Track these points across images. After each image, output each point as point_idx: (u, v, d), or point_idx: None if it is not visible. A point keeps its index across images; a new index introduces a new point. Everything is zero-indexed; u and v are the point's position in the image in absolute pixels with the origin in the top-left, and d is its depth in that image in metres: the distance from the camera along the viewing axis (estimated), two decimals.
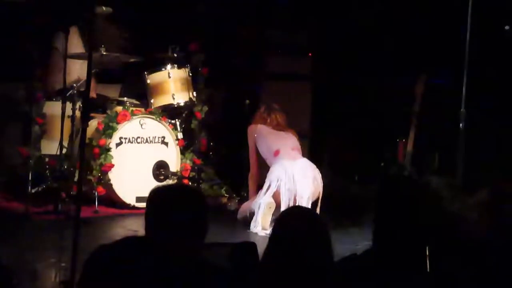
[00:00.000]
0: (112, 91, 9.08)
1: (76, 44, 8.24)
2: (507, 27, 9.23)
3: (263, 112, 8.23)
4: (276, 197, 7.65)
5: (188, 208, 3.58)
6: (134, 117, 8.36)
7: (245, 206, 8.02)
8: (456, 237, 4.35)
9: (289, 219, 3.64)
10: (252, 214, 7.74)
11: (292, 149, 7.95)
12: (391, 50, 10.15)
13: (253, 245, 4.30)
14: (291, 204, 7.40)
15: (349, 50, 10.33)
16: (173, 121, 8.60)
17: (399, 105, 9.33)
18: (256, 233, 7.41)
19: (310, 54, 10.05)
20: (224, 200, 8.46)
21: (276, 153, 7.88)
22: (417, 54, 9.71)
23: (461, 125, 7.21)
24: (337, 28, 10.28)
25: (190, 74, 8.72)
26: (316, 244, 3.42)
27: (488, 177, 8.28)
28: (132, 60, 8.71)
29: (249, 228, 7.60)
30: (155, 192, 3.73)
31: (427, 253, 3.92)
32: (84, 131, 5.64)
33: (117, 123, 8.23)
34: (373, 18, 10.35)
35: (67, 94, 7.97)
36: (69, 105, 7.97)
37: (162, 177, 8.30)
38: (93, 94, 8.40)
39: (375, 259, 3.89)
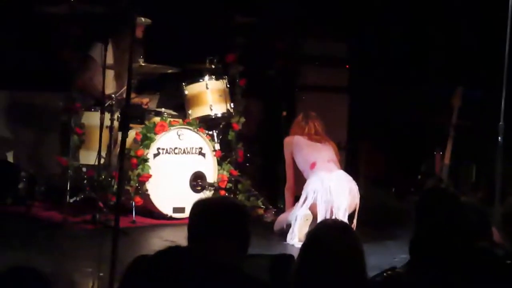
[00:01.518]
0: (150, 102, 9.07)
1: (109, 55, 8.27)
2: None
3: (301, 121, 8.20)
4: (312, 209, 7.61)
5: (232, 221, 3.65)
6: (171, 128, 8.38)
7: (282, 217, 7.99)
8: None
9: (323, 232, 3.64)
10: (288, 226, 7.71)
11: (329, 161, 7.91)
12: (429, 62, 10.13)
13: (291, 258, 4.25)
14: (328, 216, 7.38)
15: (386, 62, 10.32)
16: (210, 132, 8.62)
17: (436, 117, 9.29)
18: (293, 245, 7.37)
19: (347, 66, 10.05)
20: (261, 211, 8.45)
21: (313, 165, 7.86)
22: (455, 67, 9.68)
23: (499, 138, 7.17)
24: (375, 40, 10.27)
25: (228, 86, 8.75)
26: (348, 258, 3.41)
27: None
28: (170, 71, 8.70)
29: (285, 240, 7.59)
30: (198, 205, 3.82)
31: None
32: (123, 141, 5.75)
33: (155, 134, 8.26)
34: (410, 30, 10.33)
35: (106, 105, 7.98)
36: (107, 116, 7.97)
37: (199, 188, 8.31)
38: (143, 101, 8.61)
39: (413, 273, 3.93)
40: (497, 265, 4.06)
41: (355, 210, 7.74)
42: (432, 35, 10.36)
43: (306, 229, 7.35)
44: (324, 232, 3.61)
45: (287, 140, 8.17)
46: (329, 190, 7.67)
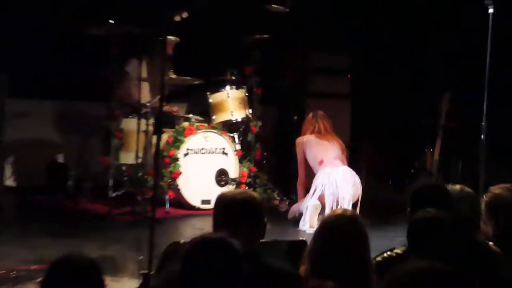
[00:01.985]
0: (180, 109, 9.12)
1: (144, 70, 8.31)
2: None
3: (311, 119, 8.21)
4: (321, 199, 7.63)
5: (250, 211, 3.64)
6: (198, 131, 8.39)
7: (294, 207, 7.99)
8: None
9: (332, 220, 3.63)
10: (300, 214, 7.74)
11: (335, 158, 7.90)
12: (421, 70, 10.11)
13: (304, 243, 4.27)
14: (334, 206, 7.41)
15: (383, 72, 10.31)
16: (232, 135, 8.62)
17: (427, 119, 9.25)
18: (304, 231, 7.39)
19: (349, 76, 10.03)
20: (276, 202, 8.41)
21: (321, 162, 7.86)
22: (443, 75, 9.65)
23: (482, 136, 7.14)
24: (373, 53, 10.25)
25: (246, 94, 8.73)
26: (359, 242, 3.44)
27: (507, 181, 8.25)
28: (196, 82, 8.69)
29: (298, 227, 7.59)
30: (222, 197, 3.80)
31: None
32: (157, 144, 5.72)
33: (184, 137, 8.27)
34: (403, 44, 10.31)
35: (141, 112, 7.99)
36: (143, 122, 7.99)
37: (223, 183, 8.32)
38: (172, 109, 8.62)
39: (409, 253, 3.84)
40: (480, 249, 4.03)
41: (357, 200, 7.76)
42: (422, 48, 10.34)
43: (315, 217, 7.49)
44: (334, 220, 3.60)
45: (298, 140, 8.16)
46: (335, 183, 7.68)
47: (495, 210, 4.74)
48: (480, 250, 4.12)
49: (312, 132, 8.13)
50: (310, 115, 8.33)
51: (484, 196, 4.54)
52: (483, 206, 4.80)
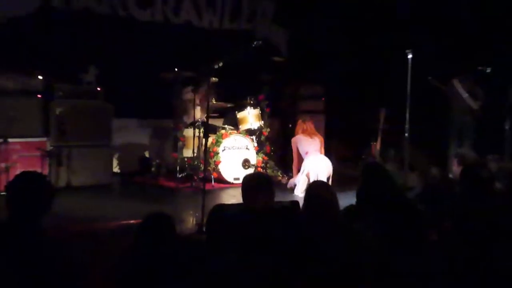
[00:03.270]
0: (219, 122, 9.14)
1: (197, 97, 8.20)
2: (488, 70, 8.03)
3: (301, 123, 8.11)
4: (307, 176, 7.64)
5: (264, 184, 3.64)
6: (231, 135, 8.40)
7: (291, 181, 7.97)
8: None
9: (314, 187, 3.66)
10: (295, 185, 7.76)
11: (316, 150, 7.90)
12: (367, 96, 10.03)
13: (297, 203, 4.30)
14: (315, 179, 7.35)
15: (344, 96, 10.28)
16: (252, 137, 8.62)
17: (372, 124, 9.25)
18: (298, 195, 7.37)
19: (323, 99, 10.02)
20: (280, 178, 8.41)
21: (307, 153, 7.88)
22: (381, 97, 9.60)
23: (406, 134, 7.14)
24: (338, 86, 10.19)
25: (260, 112, 8.72)
26: (331, 200, 3.41)
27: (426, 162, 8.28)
28: (229, 105, 8.77)
29: (293, 193, 7.61)
30: (247, 176, 3.84)
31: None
32: (206, 144, 5.87)
33: (222, 139, 8.32)
34: (355, 78, 10.24)
35: (195, 124, 8.05)
36: (197, 130, 8.00)
37: (246, 167, 8.31)
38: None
39: (360, 207, 3.94)
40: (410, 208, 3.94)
41: (330, 176, 7.76)
42: (364, 82, 10.28)
43: (304, 186, 7.38)
44: (315, 188, 3.62)
45: (293, 139, 8.13)
46: (316, 165, 7.68)
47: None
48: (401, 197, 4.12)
49: (302, 132, 7.98)
50: (300, 120, 8.22)
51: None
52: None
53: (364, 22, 9.97)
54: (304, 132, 8.00)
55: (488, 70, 7.31)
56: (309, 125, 8.06)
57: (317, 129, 8.42)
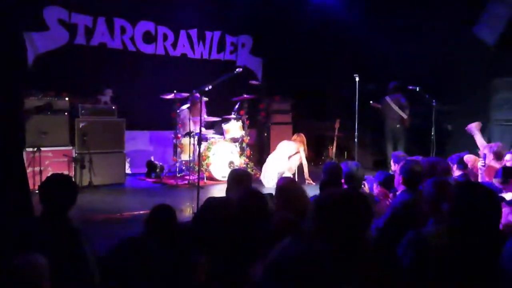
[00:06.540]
0: (209, 132, 8.93)
1: (191, 112, 8.17)
2: (449, 127, 8.23)
3: (297, 136, 7.89)
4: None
5: (246, 179, 3.63)
6: (219, 143, 8.26)
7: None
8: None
9: (283, 183, 3.43)
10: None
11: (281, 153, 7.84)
12: (325, 109, 10.10)
13: (272, 194, 4.21)
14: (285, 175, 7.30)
15: (307, 110, 10.29)
16: (235, 144, 8.46)
17: (329, 132, 9.27)
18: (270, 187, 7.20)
19: (292, 114, 10.06)
20: (257, 174, 8.29)
21: (289, 157, 7.81)
22: (335, 109, 9.66)
23: (355, 140, 7.22)
24: (302, 102, 10.24)
25: (241, 124, 8.64)
26: (296, 191, 3.28)
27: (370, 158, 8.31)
28: (217, 119, 8.62)
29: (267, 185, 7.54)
30: (231, 172, 3.78)
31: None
32: (199, 150, 5.86)
33: (212, 146, 8.17)
34: (314, 96, 10.28)
35: (191, 135, 7.91)
36: (191, 140, 7.88)
37: (231, 166, 8.18)
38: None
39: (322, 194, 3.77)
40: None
41: (295, 172, 7.78)
42: (324, 98, 10.31)
43: (276, 180, 7.35)
44: (285, 182, 3.44)
45: (299, 147, 7.78)
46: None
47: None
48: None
49: (299, 142, 7.78)
50: (296, 134, 7.99)
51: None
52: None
53: (319, 53, 10.05)
54: (300, 141, 7.82)
55: (418, 89, 7.46)
56: (301, 137, 7.87)
57: (287, 137, 8.49)
